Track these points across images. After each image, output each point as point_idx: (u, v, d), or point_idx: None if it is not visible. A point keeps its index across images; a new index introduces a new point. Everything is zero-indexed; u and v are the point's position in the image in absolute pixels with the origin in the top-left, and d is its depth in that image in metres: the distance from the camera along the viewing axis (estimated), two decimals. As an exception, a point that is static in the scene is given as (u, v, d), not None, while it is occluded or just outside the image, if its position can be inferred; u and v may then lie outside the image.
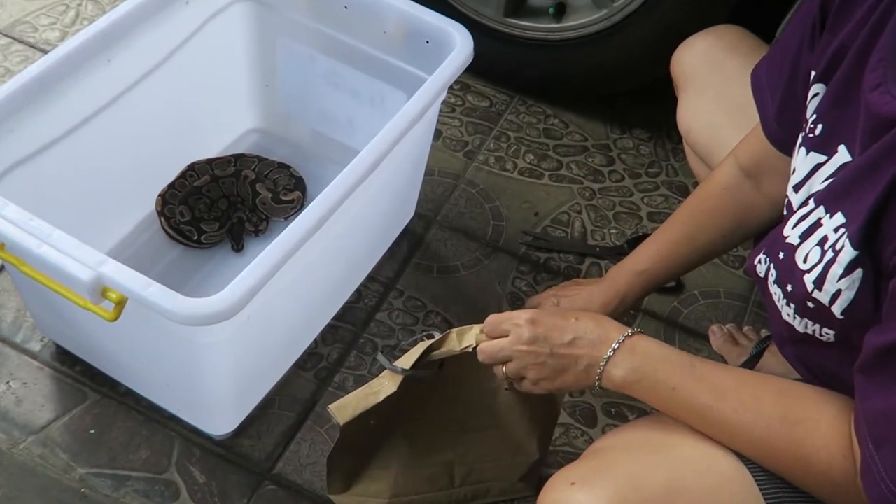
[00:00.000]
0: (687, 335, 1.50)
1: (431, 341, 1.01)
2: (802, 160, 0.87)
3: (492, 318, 0.97)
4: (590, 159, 1.78)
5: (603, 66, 1.71)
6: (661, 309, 1.54)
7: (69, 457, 1.25)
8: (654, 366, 0.88)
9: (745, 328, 1.49)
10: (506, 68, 1.82)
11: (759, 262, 0.90)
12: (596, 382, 0.91)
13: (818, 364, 0.89)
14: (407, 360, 1.01)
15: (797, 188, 0.88)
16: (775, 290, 0.86)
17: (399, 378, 1.01)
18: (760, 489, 0.82)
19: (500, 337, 0.96)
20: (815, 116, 0.87)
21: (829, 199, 0.80)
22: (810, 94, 0.89)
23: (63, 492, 1.22)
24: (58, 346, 1.35)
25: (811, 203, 0.82)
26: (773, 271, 0.87)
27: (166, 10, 1.33)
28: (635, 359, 0.89)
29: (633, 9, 1.62)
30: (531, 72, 1.80)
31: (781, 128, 0.99)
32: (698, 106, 1.27)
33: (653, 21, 1.61)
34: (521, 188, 1.70)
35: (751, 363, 1.11)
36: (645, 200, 1.71)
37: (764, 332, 1.45)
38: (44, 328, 1.36)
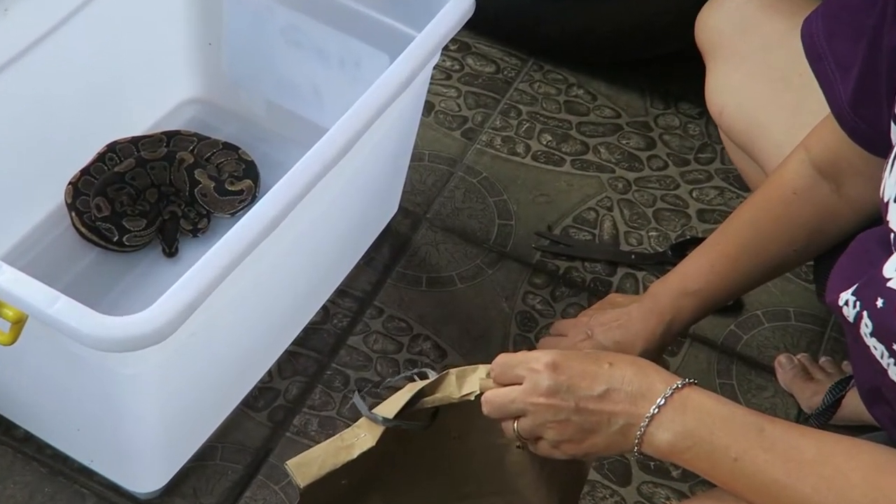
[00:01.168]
0: (747, 367, 1.51)
1: (424, 383, 1.01)
2: None
3: (502, 360, 0.96)
4: (624, 141, 1.78)
5: (637, 22, 1.72)
6: (715, 334, 1.54)
7: (-50, 520, 1.25)
8: (711, 428, 0.86)
9: (822, 359, 1.49)
10: (516, 24, 1.83)
11: (847, 304, 0.88)
12: (635, 447, 0.90)
13: None
14: (391, 407, 1.00)
15: None
16: (874, 345, 0.84)
17: (380, 429, 1.00)
18: None
19: (513, 384, 0.95)
20: None
21: None
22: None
23: (-58, 565, 1.22)
24: (-63, 378, 1.35)
25: None
26: (867, 321, 0.84)
27: (81, -53, 1.33)
28: (687, 419, 0.87)
29: (677, -51, 1.63)
30: (548, 29, 1.81)
31: (861, 118, 0.96)
32: (732, 80, 1.27)
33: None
34: (535, 177, 1.71)
35: (827, 414, 1.11)
36: (694, 194, 1.72)
37: (846, 366, 1.45)
38: (-81, 354, 1.35)
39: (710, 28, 1.31)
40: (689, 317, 1.19)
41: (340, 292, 1.51)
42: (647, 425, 0.88)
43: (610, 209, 1.68)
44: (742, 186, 1.72)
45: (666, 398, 0.88)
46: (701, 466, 0.88)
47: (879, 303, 0.83)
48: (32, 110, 1.38)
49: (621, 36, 1.76)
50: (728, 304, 1.54)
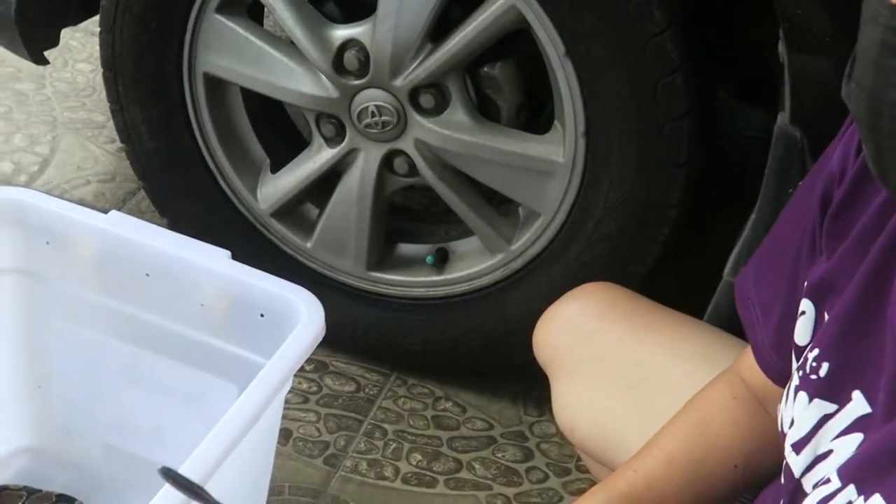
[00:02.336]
0: None
1: None
2: (804, 409, 0.88)
3: None
4: (499, 454, 1.78)
5: (504, 329, 1.75)
6: None
7: None
8: None
9: None
10: (375, 338, 1.85)
11: None
12: None
13: None
14: None
15: (798, 447, 0.88)
16: None
17: None
18: None
19: None
20: (815, 351, 0.88)
21: (860, 476, 0.80)
22: (799, 311, 0.91)
23: None
24: None
25: (835, 479, 0.82)
26: None
27: None
28: None
29: (536, 252, 1.69)
30: (410, 341, 1.83)
31: (781, 358, 0.99)
32: (577, 396, 1.30)
33: (564, 266, 1.67)
34: (408, 502, 1.69)
35: None
36: (580, 506, 1.71)
37: None
38: None
39: (546, 345, 1.35)
40: None
41: None
42: None
43: (492, 530, 1.66)
44: (629, 492, 1.72)
45: None
46: None
47: None
48: None
49: (490, 343, 1.79)
50: None
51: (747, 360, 1.07)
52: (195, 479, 1.15)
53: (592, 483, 1.72)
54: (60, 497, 1.54)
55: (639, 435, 1.21)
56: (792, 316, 0.95)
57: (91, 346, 1.50)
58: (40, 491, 1.54)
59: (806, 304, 0.92)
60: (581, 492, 1.70)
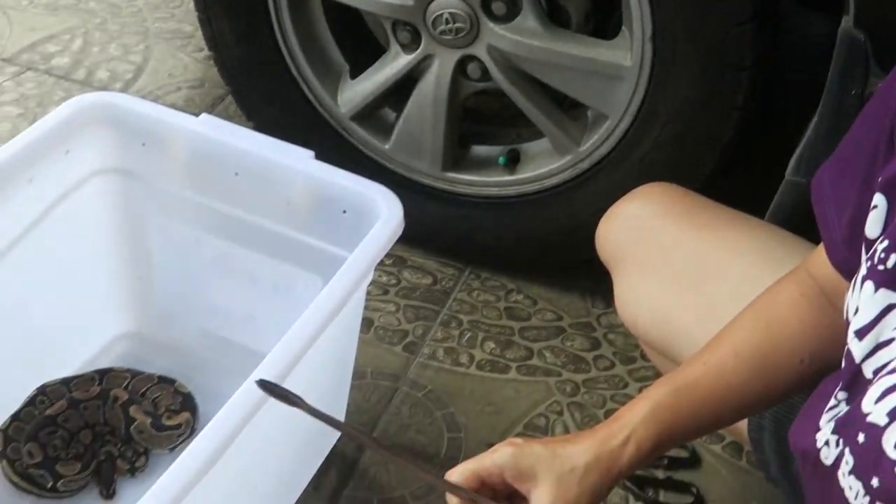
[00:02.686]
0: (716, 569, 1.48)
1: None
2: (869, 298, 0.87)
3: None
4: (568, 343, 1.79)
5: (572, 225, 1.75)
6: (678, 535, 1.52)
7: None
8: None
9: (790, 554, 1.46)
10: (450, 235, 1.86)
11: (828, 443, 0.89)
12: None
13: None
14: None
15: (861, 334, 0.87)
16: (851, 484, 0.84)
17: None
18: None
19: None
20: (885, 243, 0.87)
21: None
22: (871, 205, 0.90)
23: None
24: None
25: None
26: (848, 458, 0.85)
27: (3, 192, 1.35)
28: None
29: (603, 153, 1.68)
30: (483, 237, 1.84)
31: (853, 253, 0.97)
32: (639, 289, 1.30)
33: (630, 166, 1.66)
34: (481, 387, 1.71)
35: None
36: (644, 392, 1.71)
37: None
38: None
39: (609, 242, 1.35)
40: (666, 427, 1.05)
41: (288, 523, 1.48)
42: None
43: (560, 413, 1.67)
44: (690, 380, 1.72)
45: None
46: None
47: (861, 438, 0.83)
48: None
49: (558, 240, 1.80)
50: (684, 455, 1.54)
51: (818, 257, 1.06)
52: (285, 362, 1.18)
53: (656, 372, 1.73)
54: (161, 378, 1.58)
55: (698, 328, 1.21)
56: (865, 211, 0.93)
57: (186, 239, 1.53)
58: (143, 373, 1.59)
59: (878, 199, 0.90)
60: (645, 379, 1.73)
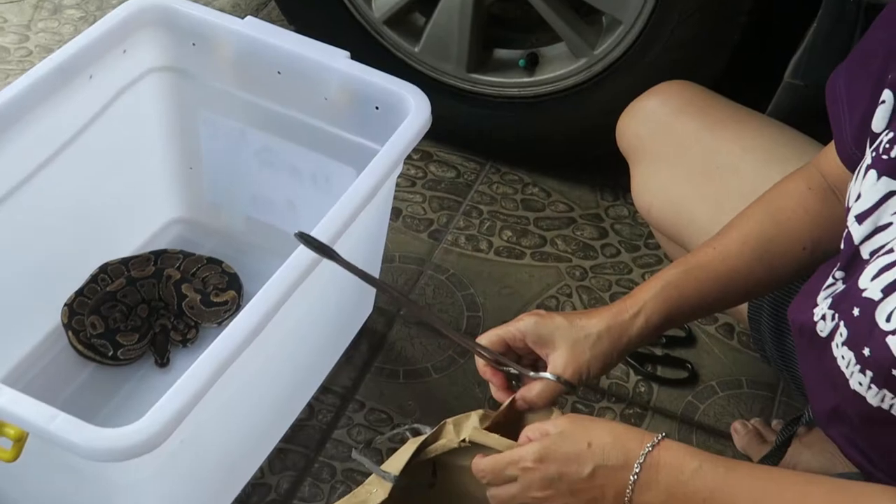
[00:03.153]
0: (706, 435, 1.51)
1: (424, 436, 1.01)
2: (871, 186, 0.88)
3: (490, 464, 0.96)
4: (578, 232, 1.81)
5: (586, 124, 1.75)
6: (674, 405, 1.55)
7: None
8: (683, 480, 0.88)
9: (774, 422, 1.50)
10: (473, 132, 1.86)
11: (824, 318, 0.90)
12: None
13: (881, 446, 0.89)
14: (396, 463, 1.00)
15: (861, 218, 0.88)
16: (843, 354, 0.87)
17: (389, 484, 1.00)
18: None
19: (507, 482, 0.95)
20: (891, 135, 0.87)
21: None
22: (879, 100, 0.90)
23: None
24: (-54, 496, 1.34)
25: None
26: (842, 330, 0.87)
27: (66, 88, 1.35)
28: (661, 478, 0.89)
29: (616, 56, 1.67)
30: (503, 134, 1.84)
31: (861, 150, 0.97)
32: (654, 179, 1.30)
33: (641, 69, 1.66)
34: (499, 271, 1.73)
35: (777, 454, 1.11)
36: (646, 277, 1.73)
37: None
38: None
39: (630, 134, 1.34)
40: (677, 301, 1.06)
41: (323, 389, 1.52)
42: (632, 492, 0.89)
43: (569, 296, 1.70)
44: (690, 267, 1.74)
45: (641, 465, 0.89)
46: None
47: (856, 312, 0.85)
48: (29, 238, 1.39)
49: (572, 137, 1.80)
50: (680, 337, 1.57)
51: (828, 153, 1.05)
52: (325, 240, 1.19)
53: (658, 259, 1.76)
54: (209, 260, 1.60)
55: (707, 216, 1.22)
56: (875, 109, 0.93)
57: (232, 133, 1.54)
58: (193, 254, 1.61)
59: (887, 94, 0.90)
60: (648, 266, 1.75)
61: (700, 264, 1.06)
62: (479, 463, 0.97)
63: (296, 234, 1.07)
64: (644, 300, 1.03)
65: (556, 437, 0.93)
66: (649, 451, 0.90)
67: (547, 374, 1.02)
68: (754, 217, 1.07)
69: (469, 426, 1.00)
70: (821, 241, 1.05)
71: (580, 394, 1.55)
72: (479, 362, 1.06)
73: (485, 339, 1.05)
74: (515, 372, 1.04)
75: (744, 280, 1.06)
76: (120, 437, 0.98)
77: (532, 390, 1.02)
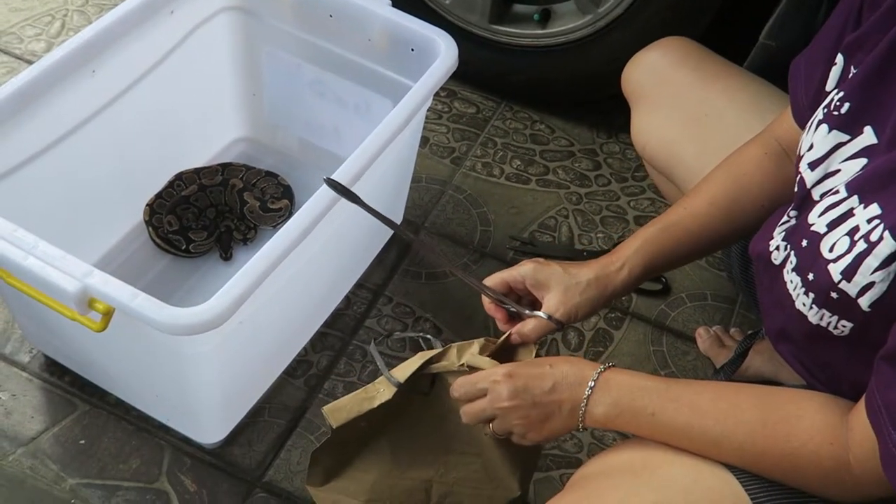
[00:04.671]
0: (674, 338, 1.51)
1: (432, 353, 1.01)
2: (822, 138, 0.86)
3: (463, 381, 0.96)
4: (576, 164, 1.78)
5: (588, 72, 1.72)
6: (649, 312, 1.54)
7: (59, 468, 1.25)
8: (631, 396, 0.88)
9: (732, 330, 1.50)
10: (492, 75, 1.83)
11: (778, 248, 0.90)
12: (580, 424, 0.91)
13: (820, 360, 0.88)
14: (404, 371, 1.01)
15: (813, 166, 0.87)
16: (792, 278, 0.86)
17: (394, 388, 1.01)
18: (750, 496, 0.82)
19: (479, 397, 0.95)
20: (840, 94, 0.85)
21: (863, 188, 0.79)
22: (832, 62, 0.88)
23: (53, 503, 1.21)
24: (47, 358, 1.35)
25: (842, 191, 0.81)
26: (792, 259, 0.86)
27: (151, 21, 1.33)
28: (612, 393, 0.89)
29: (617, 14, 1.63)
30: (517, 78, 1.81)
31: (814, 110, 0.94)
32: (651, 121, 1.28)
33: (637, 26, 1.62)
34: (508, 194, 1.71)
35: (736, 362, 1.11)
36: (632, 204, 1.72)
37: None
38: (32, 339, 1.35)
39: (633, 81, 1.31)
40: (652, 257, 1.04)
41: (358, 285, 1.52)
42: (586, 405, 0.89)
43: (566, 217, 1.68)
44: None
45: (595, 381, 0.89)
46: (631, 428, 0.89)
47: (804, 243, 0.84)
48: (118, 148, 1.38)
49: (575, 83, 1.76)
50: (657, 288, 1.56)
51: (782, 121, 1.03)
52: (360, 164, 1.18)
53: (643, 189, 1.73)
54: (268, 173, 1.59)
55: (693, 156, 1.21)
56: (828, 73, 0.91)
57: (289, 66, 1.52)
58: (254, 168, 1.60)
59: (839, 58, 0.87)
60: (634, 195, 1.73)
61: (674, 223, 1.04)
62: (457, 381, 0.97)
63: (325, 179, 1.05)
64: (627, 255, 1.02)
65: (522, 363, 0.94)
66: (602, 371, 0.90)
67: (540, 313, 1.00)
68: (719, 180, 1.05)
69: (470, 352, 0.99)
70: (776, 198, 1.03)
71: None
72: (485, 300, 1.05)
73: (491, 280, 1.04)
74: (514, 310, 1.03)
75: (712, 235, 1.04)
76: (189, 315, 0.99)
77: (526, 325, 1.01)
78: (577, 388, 0.90)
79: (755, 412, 0.82)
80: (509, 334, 1.02)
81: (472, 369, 0.99)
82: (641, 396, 0.87)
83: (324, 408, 1.03)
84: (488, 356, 0.99)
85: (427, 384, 1.03)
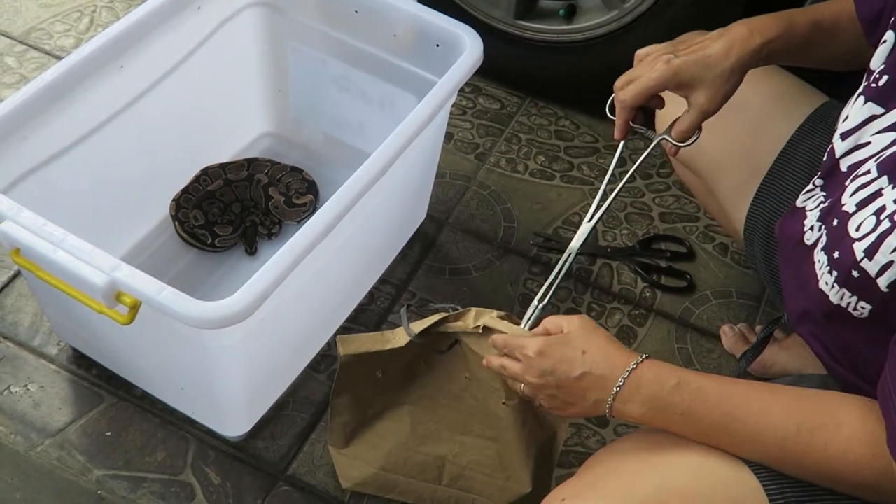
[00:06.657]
0: (699, 335, 1.50)
1: (447, 314, 1.04)
2: (858, 109, 0.87)
3: (506, 340, 0.96)
4: (601, 160, 1.77)
5: (613, 68, 1.69)
6: (673, 309, 1.54)
7: (86, 459, 1.26)
8: (661, 396, 0.87)
9: (757, 327, 1.48)
10: (517, 70, 1.83)
11: (812, 228, 0.90)
12: (606, 413, 0.90)
13: (841, 343, 0.88)
14: (420, 325, 1.05)
15: (844, 136, 0.87)
16: (820, 258, 0.86)
17: (407, 338, 1.05)
18: (761, 482, 0.82)
19: (513, 358, 0.95)
20: (882, 67, 0.86)
21: (894, 169, 0.80)
22: (882, 39, 0.88)
23: (80, 494, 1.23)
24: (74, 350, 1.36)
25: (873, 171, 0.82)
26: (823, 238, 0.86)
27: (178, 16, 1.33)
28: (641, 392, 0.88)
29: (643, 10, 1.62)
30: (542, 74, 1.80)
31: (873, 31, 0.94)
32: (675, 115, 1.26)
33: (663, 22, 1.61)
34: (532, 190, 1.70)
35: (758, 348, 1.11)
36: (656, 201, 1.71)
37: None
38: (60, 332, 1.37)
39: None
40: (749, 65, 1.02)
41: (382, 281, 1.52)
42: (613, 401, 0.88)
43: (591, 213, 1.68)
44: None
45: (625, 379, 0.88)
46: (659, 425, 0.88)
47: (835, 222, 0.85)
48: (145, 143, 1.39)
49: (600, 78, 1.75)
50: (683, 285, 1.56)
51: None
52: (385, 160, 1.17)
53: (667, 186, 1.72)
54: (293, 168, 1.60)
55: (717, 147, 1.20)
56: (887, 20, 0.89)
57: (315, 62, 1.52)
58: (279, 163, 1.60)
59: (889, 35, 0.87)
60: (659, 191, 1.71)
61: (805, 14, 1.02)
62: (498, 338, 0.98)
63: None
64: (762, 27, 0.99)
65: (559, 338, 0.92)
66: (633, 368, 0.88)
67: (663, 135, 1.03)
68: (826, 10, 1.03)
69: (487, 318, 1.01)
70: (852, 59, 1.01)
71: (594, 295, 1.54)
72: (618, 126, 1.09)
73: (628, 93, 1.05)
74: (647, 133, 1.06)
75: (841, 37, 1.02)
76: (214, 309, 0.99)
77: (682, 123, 1.02)
78: (605, 383, 0.89)
79: (789, 416, 0.81)
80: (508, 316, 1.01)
81: (488, 331, 1.00)
82: (671, 396, 0.86)
83: (337, 337, 1.06)
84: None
85: (446, 345, 1.05)
